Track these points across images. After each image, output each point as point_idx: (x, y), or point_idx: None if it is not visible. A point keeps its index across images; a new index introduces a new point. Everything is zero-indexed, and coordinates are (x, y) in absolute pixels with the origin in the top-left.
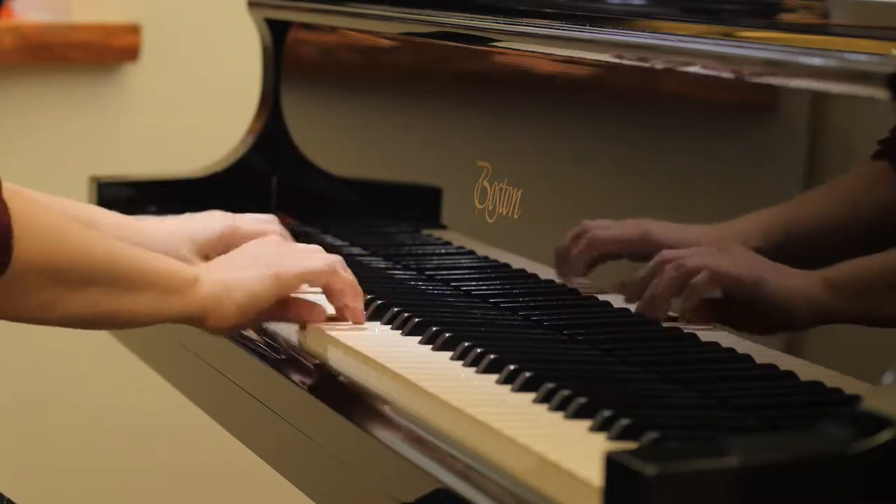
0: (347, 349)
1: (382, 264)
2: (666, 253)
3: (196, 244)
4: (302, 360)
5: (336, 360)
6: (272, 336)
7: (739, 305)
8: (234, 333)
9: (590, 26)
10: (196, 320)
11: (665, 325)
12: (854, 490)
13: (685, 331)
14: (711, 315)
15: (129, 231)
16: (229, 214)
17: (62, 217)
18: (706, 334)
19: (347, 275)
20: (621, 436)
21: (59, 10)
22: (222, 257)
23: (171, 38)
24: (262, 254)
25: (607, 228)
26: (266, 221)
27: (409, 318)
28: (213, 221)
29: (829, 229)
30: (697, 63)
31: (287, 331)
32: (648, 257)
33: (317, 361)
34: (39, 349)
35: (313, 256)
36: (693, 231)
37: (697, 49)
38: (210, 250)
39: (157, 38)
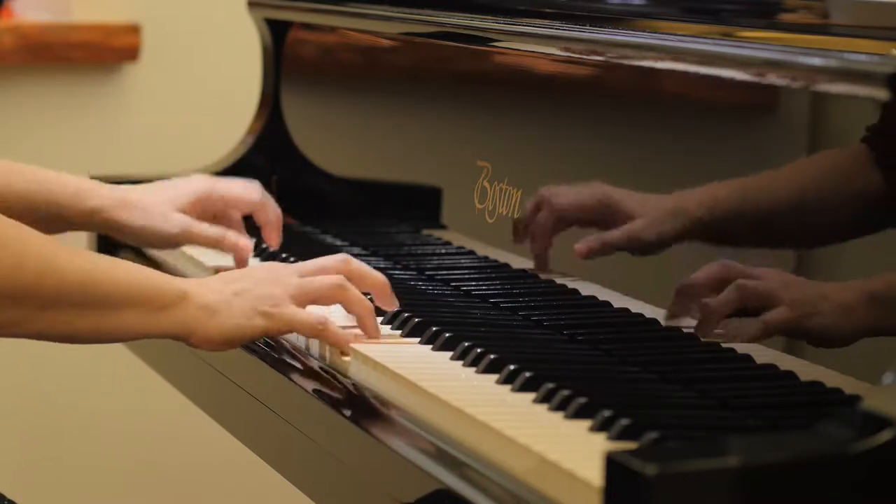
0: (347, 349)
1: (382, 264)
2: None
3: (177, 204)
4: (302, 360)
5: (336, 360)
6: (273, 337)
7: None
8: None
9: (590, 26)
10: (181, 338)
11: (665, 324)
12: (854, 490)
13: (685, 331)
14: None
15: (116, 197)
16: (209, 177)
17: (24, 235)
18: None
19: (338, 331)
20: (621, 436)
21: (59, 10)
22: (223, 275)
23: (171, 38)
24: (260, 283)
25: (566, 195)
26: (245, 187)
27: (409, 318)
28: (194, 183)
29: (828, 228)
30: (697, 63)
31: None
32: (608, 223)
33: (316, 361)
34: (40, 349)
35: (308, 296)
36: (652, 200)
37: (697, 49)
38: (190, 210)
39: (157, 38)
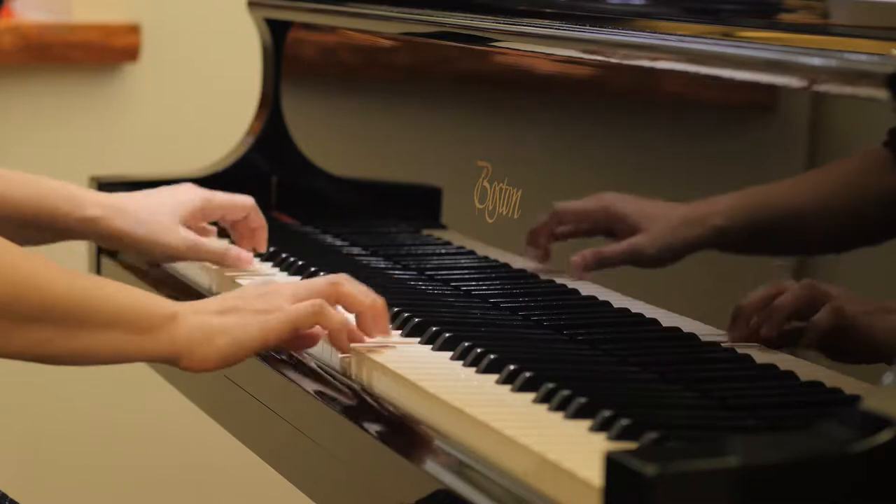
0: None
1: (382, 264)
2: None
3: (179, 215)
4: (300, 359)
5: (336, 360)
6: (279, 348)
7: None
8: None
9: (590, 26)
10: (170, 361)
11: (665, 325)
12: (854, 490)
13: (685, 331)
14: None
15: (114, 204)
16: (201, 190)
17: (3, 247)
18: (706, 334)
19: (335, 314)
20: (621, 436)
21: (59, 10)
22: (216, 297)
23: (171, 38)
24: (252, 299)
25: (572, 206)
26: (239, 203)
27: (409, 318)
28: (191, 194)
29: (828, 228)
30: (697, 63)
31: None
32: (613, 233)
33: (316, 361)
34: None
35: (301, 300)
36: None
37: (697, 49)
38: (190, 220)
39: (157, 38)
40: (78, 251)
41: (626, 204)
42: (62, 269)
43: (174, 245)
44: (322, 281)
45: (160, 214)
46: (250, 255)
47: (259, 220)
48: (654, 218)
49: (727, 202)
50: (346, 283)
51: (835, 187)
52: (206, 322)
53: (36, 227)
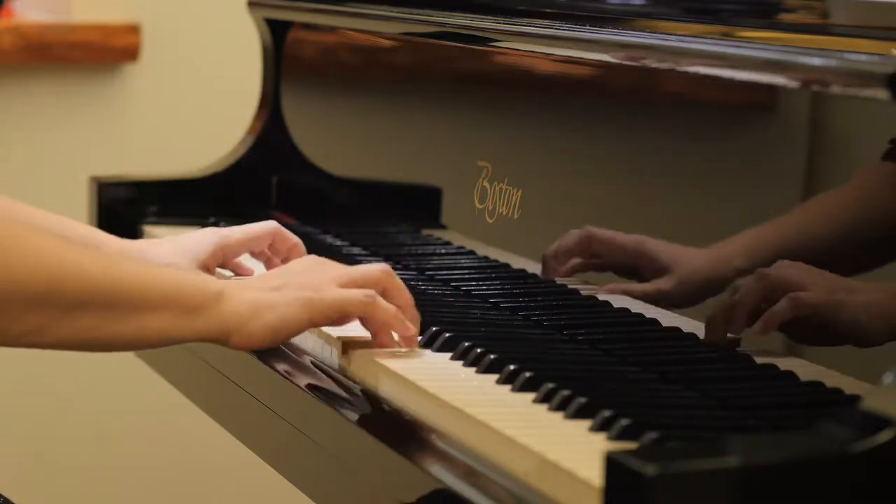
0: (347, 348)
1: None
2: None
3: (197, 258)
4: (299, 359)
5: (335, 359)
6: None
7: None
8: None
9: (590, 26)
10: (219, 340)
11: (666, 325)
12: (854, 490)
13: (685, 331)
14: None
15: (133, 251)
16: (219, 229)
17: (46, 237)
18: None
19: (388, 306)
20: (621, 436)
21: (59, 10)
22: (262, 275)
23: (171, 38)
24: (300, 274)
25: (609, 240)
26: (258, 231)
27: None
28: (206, 236)
29: (831, 232)
30: (697, 63)
31: None
32: (641, 272)
33: (315, 360)
34: (40, 350)
35: (353, 281)
36: (690, 250)
37: (697, 49)
38: (211, 262)
39: (157, 38)
40: None
41: (659, 247)
42: (101, 252)
43: None
44: (375, 268)
45: (179, 258)
46: None
47: (290, 240)
48: (680, 262)
49: (747, 242)
50: (395, 275)
51: (856, 213)
52: (253, 298)
53: None
